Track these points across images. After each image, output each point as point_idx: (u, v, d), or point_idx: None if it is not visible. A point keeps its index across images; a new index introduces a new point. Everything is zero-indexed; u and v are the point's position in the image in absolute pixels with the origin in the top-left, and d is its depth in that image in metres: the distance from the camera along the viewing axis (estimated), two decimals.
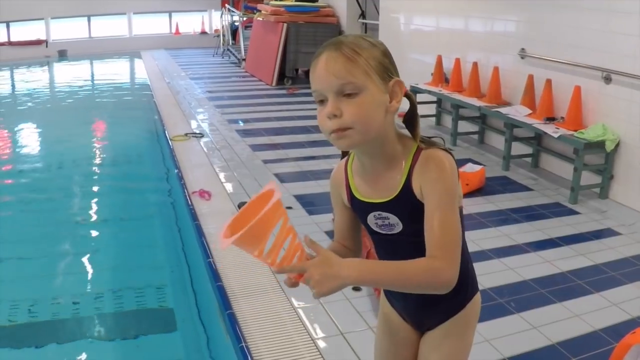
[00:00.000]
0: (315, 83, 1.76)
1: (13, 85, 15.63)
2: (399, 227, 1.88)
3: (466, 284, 1.89)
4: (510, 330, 3.75)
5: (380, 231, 1.93)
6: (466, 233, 1.90)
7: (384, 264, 1.79)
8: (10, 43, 19.00)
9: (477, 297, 2.05)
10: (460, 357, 2.06)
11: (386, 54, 1.79)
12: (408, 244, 1.89)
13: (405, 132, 1.88)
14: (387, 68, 1.75)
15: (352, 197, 1.95)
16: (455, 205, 1.78)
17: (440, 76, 8.88)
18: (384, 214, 1.88)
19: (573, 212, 5.83)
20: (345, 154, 2.02)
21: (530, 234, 5.30)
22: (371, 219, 1.92)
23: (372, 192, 1.89)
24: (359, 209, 1.95)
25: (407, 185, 1.80)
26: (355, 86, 1.69)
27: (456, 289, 1.81)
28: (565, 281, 4.44)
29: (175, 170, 6.86)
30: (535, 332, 3.75)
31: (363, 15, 13.11)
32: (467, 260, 1.92)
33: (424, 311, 2.05)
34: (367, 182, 1.90)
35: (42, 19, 19.31)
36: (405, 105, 1.86)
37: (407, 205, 1.82)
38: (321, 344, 3.56)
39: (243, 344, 3.48)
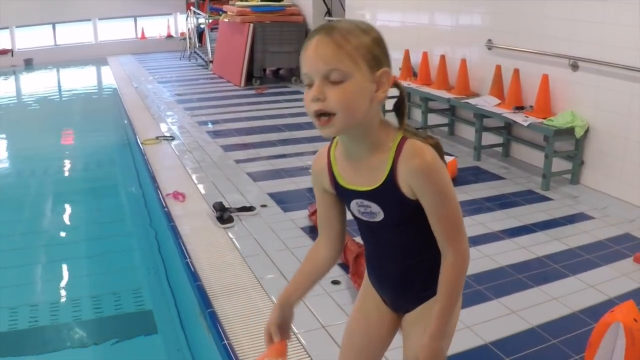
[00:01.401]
0: (304, 66, 1.77)
1: None
2: (380, 216, 1.91)
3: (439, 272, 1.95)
4: (490, 316, 3.78)
5: (363, 218, 1.97)
6: None
7: (438, 310, 1.92)
8: None
9: None
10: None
11: (378, 42, 1.79)
12: (389, 232, 1.96)
13: (390, 121, 1.90)
14: (376, 57, 1.76)
15: (335, 183, 1.97)
16: (449, 193, 1.84)
17: (408, 70, 8.92)
18: (366, 202, 1.91)
19: (545, 199, 5.90)
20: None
21: (505, 221, 5.35)
22: (354, 205, 1.96)
23: (355, 179, 1.91)
24: (343, 195, 1.98)
25: (391, 178, 1.82)
26: (341, 73, 1.71)
27: (429, 277, 1.97)
28: (542, 266, 4.49)
29: (148, 174, 6.82)
30: (514, 316, 3.79)
31: (329, 12, 13.12)
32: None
33: (403, 292, 2.09)
34: (350, 168, 1.92)
35: (7, 27, 19.09)
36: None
37: (390, 196, 1.85)
38: (304, 338, 3.56)
39: (225, 342, 3.47)
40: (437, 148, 1.88)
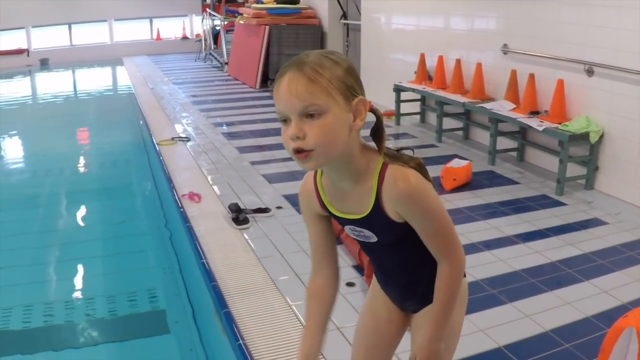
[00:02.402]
0: (278, 104, 1.74)
1: None
2: (374, 239, 1.96)
3: None
4: (504, 320, 3.80)
5: (358, 239, 2.01)
6: (456, 227, 1.96)
7: (435, 315, 1.98)
8: None
9: (462, 282, 2.09)
10: (448, 338, 2.09)
11: (350, 71, 1.77)
12: (386, 250, 2.01)
13: (371, 144, 1.90)
14: (350, 87, 1.74)
15: (327, 210, 1.99)
16: (437, 211, 1.87)
17: (424, 74, 8.94)
18: (358, 228, 1.95)
19: (560, 204, 5.90)
20: None
21: (519, 225, 5.35)
22: (347, 229, 2.00)
23: (344, 207, 1.93)
24: (336, 219, 2.01)
25: (377, 206, 1.85)
26: (318, 108, 1.68)
27: (431, 282, 1.99)
28: (555, 270, 4.50)
29: (164, 174, 6.87)
30: (528, 320, 3.80)
31: (344, 15, 13.15)
32: None
33: (406, 298, 2.16)
34: (338, 197, 1.94)
35: (23, 27, 19.22)
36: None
37: (379, 222, 1.89)
38: None
39: (241, 342, 3.50)
40: (420, 168, 1.89)
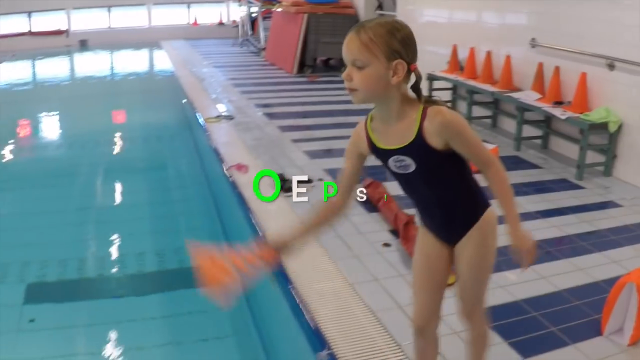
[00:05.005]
0: (342, 54, 2.37)
1: (34, 74, 16.15)
2: (412, 167, 2.47)
3: (475, 198, 2.58)
4: (522, 279, 4.24)
5: (399, 171, 2.52)
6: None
7: (508, 206, 2.53)
8: (31, 33, 19.35)
9: (490, 210, 2.63)
10: (483, 260, 2.67)
11: (400, 40, 2.33)
12: (420, 179, 2.52)
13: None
14: (395, 50, 2.30)
15: (374, 147, 2.52)
16: (470, 132, 2.41)
17: (456, 64, 9.39)
18: (401, 157, 2.47)
19: (579, 187, 6.31)
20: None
21: (539, 203, 5.78)
22: (391, 162, 2.51)
23: (390, 141, 2.47)
24: (381, 155, 2.53)
25: (420, 135, 2.38)
26: (362, 62, 2.29)
27: (469, 202, 2.58)
28: (571, 242, 4.96)
29: (211, 148, 7.39)
30: (543, 281, 4.27)
31: (380, 6, 13.55)
32: (471, 181, 2.57)
33: (449, 225, 2.64)
34: (384, 133, 2.48)
35: (64, 9, 19.66)
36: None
37: (419, 149, 2.40)
38: (360, 289, 4.09)
39: (290, 287, 4.01)
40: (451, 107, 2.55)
